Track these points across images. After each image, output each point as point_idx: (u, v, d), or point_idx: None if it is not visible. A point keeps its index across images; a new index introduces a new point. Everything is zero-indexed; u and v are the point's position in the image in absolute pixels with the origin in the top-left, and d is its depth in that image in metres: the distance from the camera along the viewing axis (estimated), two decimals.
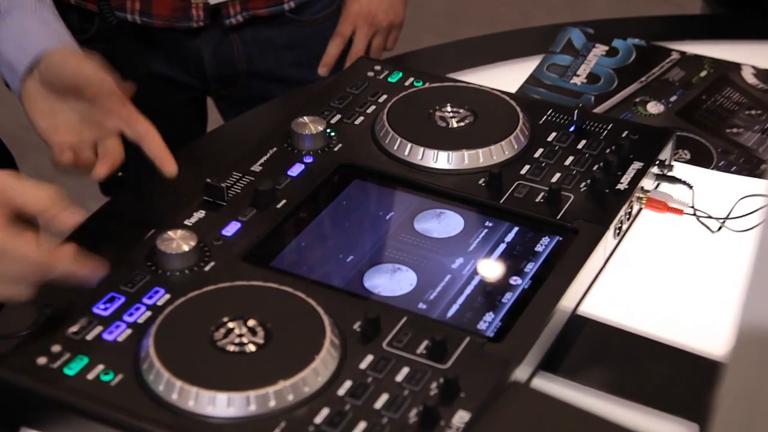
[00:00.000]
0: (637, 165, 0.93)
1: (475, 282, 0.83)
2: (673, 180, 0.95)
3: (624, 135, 0.96)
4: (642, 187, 0.92)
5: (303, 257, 0.85)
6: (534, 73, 1.12)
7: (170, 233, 0.82)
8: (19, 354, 0.74)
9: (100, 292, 0.79)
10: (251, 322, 0.76)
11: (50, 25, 0.89)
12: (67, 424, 0.73)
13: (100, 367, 0.74)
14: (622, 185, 0.91)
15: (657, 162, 0.94)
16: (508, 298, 0.81)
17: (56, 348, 0.75)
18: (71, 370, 0.73)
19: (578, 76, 1.12)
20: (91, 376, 0.73)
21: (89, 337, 0.76)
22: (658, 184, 0.96)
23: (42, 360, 0.74)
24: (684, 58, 1.14)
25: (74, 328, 0.76)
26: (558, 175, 0.92)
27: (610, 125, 0.97)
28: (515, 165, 0.93)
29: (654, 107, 1.08)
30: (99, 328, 0.76)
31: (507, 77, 1.10)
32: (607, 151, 0.94)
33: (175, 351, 0.73)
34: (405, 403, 0.71)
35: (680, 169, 0.97)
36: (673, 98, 1.09)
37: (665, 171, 0.95)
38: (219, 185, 0.88)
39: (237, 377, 0.72)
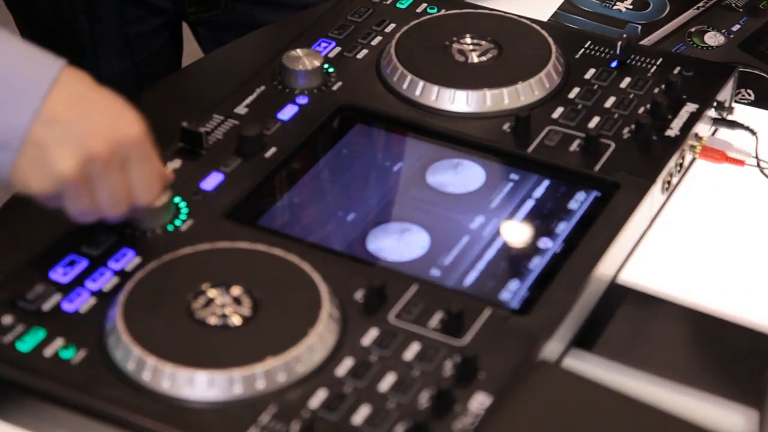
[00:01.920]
0: (690, 107, 0.93)
1: (497, 245, 0.84)
2: (734, 125, 0.96)
3: (676, 71, 0.96)
4: (696, 134, 0.93)
5: (296, 215, 0.86)
6: None
7: None
8: None
9: (58, 254, 0.80)
10: (236, 291, 0.77)
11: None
12: (21, 409, 0.74)
13: (59, 341, 0.75)
14: (673, 131, 0.91)
15: (715, 104, 0.95)
16: (536, 264, 0.82)
17: (7, 319, 0.76)
18: (25, 345, 0.75)
19: (623, 1, 1.12)
20: (48, 352, 0.74)
21: (46, 306, 0.77)
22: (716, 130, 0.97)
23: None
24: None
25: (28, 296, 0.77)
26: (597, 119, 0.92)
27: (660, 60, 0.97)
28: (546, 107, 0.93)
29: (712, 38, 1.09)
30: (57, 297, 0.77)
31: (537, 2, 1.10)
32: (656, 90, 0.94)
33: (146, 323, 0.75)
34: (415, 384, 0.73)
35: (742, 112, 0.98)
36: (736, 27, 1.09)
37: (724, 114, 0.96)
38: (197, 130, 0.89)
39: (219, 354, 0.73)
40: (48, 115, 0.74)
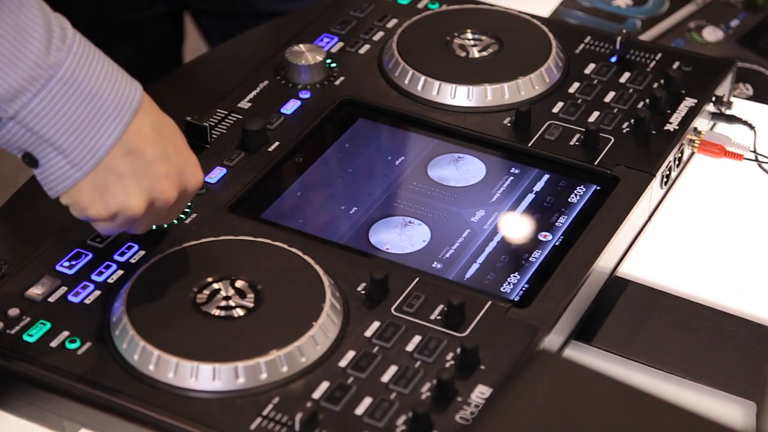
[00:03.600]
0: (689, 102, 0.93)
1: (497, 238, 0.84)
2: (732, 119, 0.96)
3: (675, 66, 0.96)
4: (695, 128, 0.93)
5: (299, 208, 0.86)
6: None
7: None
8: None
9: (64, 247, 0.80)
10: (239, 283, 0.77)
11: None
12: (27, 399, 0.75)
13: (65, 333, 0.75)
14: (672, 125, 0.91)
15: (713, 98, 0.95)
16: (537, 257, 0.82)
17: (14, 311, 0.76)
18: (31, 337, 0.75)
19: None
20: (54, 343, 0.75)
21: (52, 299, 0.77)
22: (714, 125, 0.97)
23: None
24: None
25: (35, 289, 0.78)
26: (596, 113, 0.92)
27: (659, 55, 0.98)
28: (546, 102, 0.94)
29: (711, 33, 1.09)
30: (63, 289, 0.78)
31: None
32: (655, 85, 0.95)
33: (151, 316, 0.75)
34: (416, 376, 0.73)
35: (741, 107, 0.98)
36: (735, 23, 1.10)
37: (723, 109, 0.96)
38: (201, 124, 0.89)
39: (223, 346, 0.73)
40: (131, 146, 0.72)
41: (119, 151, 0.72)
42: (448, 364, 0.74)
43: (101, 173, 0.72)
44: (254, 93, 0.94)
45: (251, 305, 0.76)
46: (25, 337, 0.75)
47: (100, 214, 0.74)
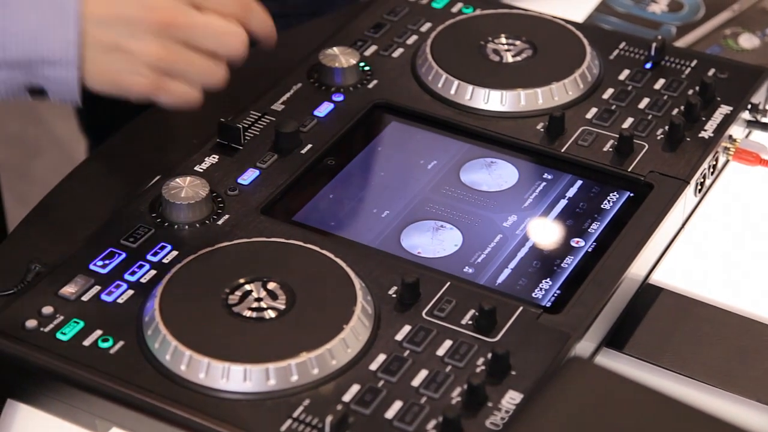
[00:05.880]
0: (724, 109, 0.93)
1: (530, 243, 0.84)
2: None
3: (710, 73, 0.96)
4: (730, 136, 0.93)
5: (331, 211, 0.86)
6: None
7: (178, 180, 0.84)
8: (5, 316, 0.77)
9: (98, 247, 0.81)
10: (271, 285, 0.78)
11: None
12: (60, 397, 0.75)
13: (98, 332, 0.76)
14: (707, 133, 0.91)
15: (749, 106, 0.94)
16: (569, 263, 0.82)
17: (48, 309, 0.77)
18: (65, 335, 0.76)
19: (657, 2, 1.12)
20: (87, 342, 0.75)
21: (85, 297, 0.78)
22: (750, 132, 0.96)
23: (31, 323, 0.76)
24: None
25: (69, 288, 0.78)
26: (630, 119, 0.92)
27: (694, 62, 0.97)
28: (580, 107, 0.93)
29: (747, 41, 1.08)
30: (97, 288, 0.78)
31: (573, 3, 1.10)
32: (690, 92, 0.94)
33: (183, 316, 0.75)
34: (447, 380, 0.73)
35: None
36: None
37: (759, 117, 0.96)
38: (235, 126, 0.90)
39: (254, 347, 0.74)
40: (93, 18, 0.75)
41: (89, 27, 0.75)
42: (478, 369, 0.74)
43: (94, 56, 0.75)
44: (288, 95, 0.94)
45: (283, 307, 0.76)
46: (59, 336, 0.76)
47: (141, 84, 0.76)
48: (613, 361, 0.80)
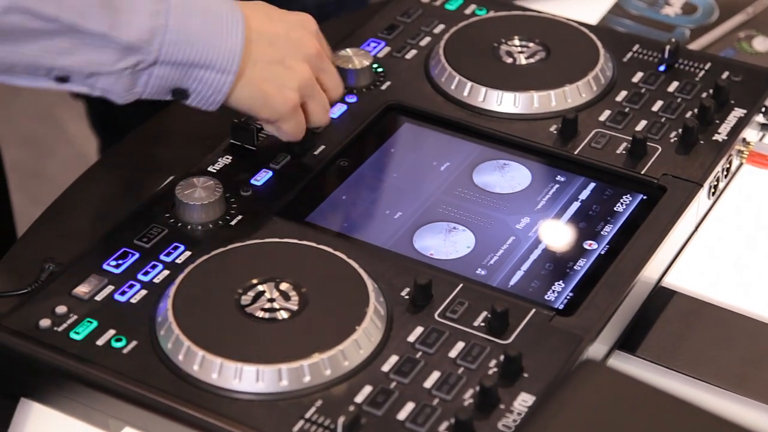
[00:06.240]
0: (738, 112, 0.93)
1: (542, 246, 0.84)
2: None
3: (724, 76, 0.96)
4: (744, 139, 0.92)
5: (344, 212, 0.86)
6: (619, 2, 1.12)
7: (192, 181, 0.84)
8: (19, 315, 0.77)
9: (111, 247, 0.81)
10: (284, 286, 0.78)
11: None
12: (73, 396, 0.76)
13: (111, 332, 0.76)
14: (720, 136, 0.91)
15: (763, 109, 0.94)
16: (581, 266, 0.82)
17: (61, 309, 0.77)
18: (78, 335, 0.76)
19: (671, 5, 1.12)
20: (100, 341, 0.76)
21: (99, 297, 0.78)
22: (764, 135, 0.96)
23: (45, 322, 0.77)
24: None
25: (82, 287, 0.79)
26: (644, 122, 0.92)
27: (708, 64, 0.97)
28: (593, 110, 0.93)
29: (762, 44, 1.08)
30: (110, 288, 0.79)
31: (586, 6, 1.10)
32: (704, 95, 0.94)
33: (196, 316, 0.76)
34: (459, 382, 0.73)
35: None
36: None
37: None
38: (248, 126, 0.90)
39: (267, 348, 0.74)
40: (258, 32, 0.80)
41: (254, 41, 0.80)
42: (491, 371, 0.74)
43: (253, 68, 0.80)
44: None
45: (295, 308, 0.76)
46: (72, 335, 0.76)
47: (290, 100, 0.81)
48: (626, 364, 0.80)
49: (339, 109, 0.93)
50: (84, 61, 0.74)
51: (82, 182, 0.94)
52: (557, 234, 0.85)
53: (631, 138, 0.90)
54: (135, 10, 0.74)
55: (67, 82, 0.75)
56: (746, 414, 0.77)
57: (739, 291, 0.84)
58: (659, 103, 0.94)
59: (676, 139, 0.90)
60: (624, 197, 0.87)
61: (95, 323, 0.76)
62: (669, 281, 0.85)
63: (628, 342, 0.81)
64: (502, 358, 0.74)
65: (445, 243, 0.84)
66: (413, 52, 0.99)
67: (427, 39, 1.00)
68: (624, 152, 0.90)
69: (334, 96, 0.87)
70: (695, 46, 1.07)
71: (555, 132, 0.91)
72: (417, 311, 0.77)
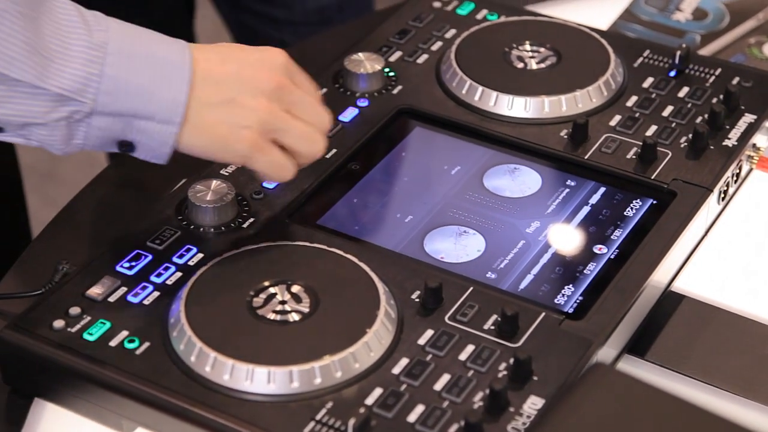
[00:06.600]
0: (748, 118, 0.93)
1: (552, 250, 0.84)
2: None
3: (734, 82, 0.96)
4: (754, 144, 0.93)
5: (355, 215, 0.87)
6: (629, 7, 1.12)
7: (204, 184, 0.85)
8: (33, 316, 0.78)
9: (125, 249, 0.82)
10: (295, 288, 0.78)
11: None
12: (86, 397, 0.76)
13: (124, 333, 0.77)
14: (730, 141, 0.91)
15: None
16: (591, 270, 0.82)
17: (75, 310, 0.78)
18: (92, 336, 0.76)
19: (682, 11, 1.12)
20: (113, 342, 0.76)
21: (112, 298, 0.79)
22: None
23: (58, 323, 0.77)
24: None
25: (95, 289, 0.79)
26: (654, 127, 0.92)
27: (718, 70, 0.97)
28: (604, 115, 0.94)
29: None
30: (123, 290, 0.79)
31: (597, 11, 1.10)
32: (714, 100, 0.94)
33: (208, 318, 0.76)
34: (469, 385, 0.73)
35: None
36: None
37: None
38: None
39: (278, 350, 0.74)
40: (206, 74, 0.75)
41: (201, 85, 0.75)
42: (500, 375, 0.74)
43: (200, 112, 0.75)
44: None
45: (307, 310, 0.77)
46: (85, 336, 0.76)
47: (250, 140, 0.76)
48: (635, 368, 0.80)
49: (351, 113, 0.94)
50: (16, 111, 0.71)
51: (95, 184, 0.95)
52: (567, 238, 0.85)
53: (641, 143, 0.90)
54: (69, 57, 0.71)
55: (2, 132, 0.73)
56: (755, 418, 0.77)
57: (749, 295, 0.85)
58: (669, 109, 0.94)
59: (686, 144, 0.91)
60: (634, 202, 0.87)
61: (108, 324, 0.77)
62: (678, 286, 0.85)
63: (638, 346, 0.81)
64: (511, 361, 0.74)
65: (455, 246, 0.84)
66: (425, 56, 1.00)
67: (439, 44, 1.01)
68: (634, 157, 0.90)
69: (319, 126, 0.80)
70: (706, 51, 1.07)
71: (565, 137, 0.92)
72: (427, 314, 0.78)
